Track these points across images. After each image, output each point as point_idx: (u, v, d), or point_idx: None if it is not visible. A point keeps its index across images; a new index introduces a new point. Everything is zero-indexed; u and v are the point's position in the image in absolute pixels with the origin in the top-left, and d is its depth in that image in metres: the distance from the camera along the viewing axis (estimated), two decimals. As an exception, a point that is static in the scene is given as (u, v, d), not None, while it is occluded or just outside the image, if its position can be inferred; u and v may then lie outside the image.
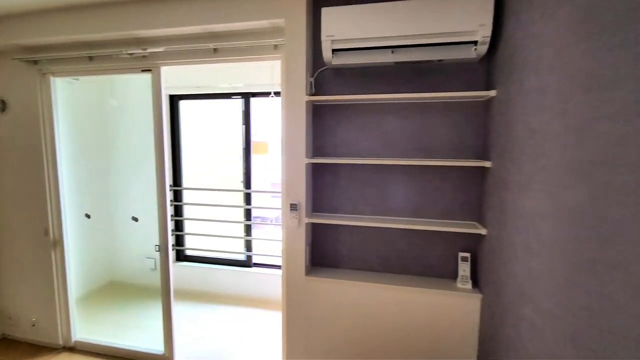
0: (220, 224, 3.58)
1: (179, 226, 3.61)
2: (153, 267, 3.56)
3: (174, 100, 3.43)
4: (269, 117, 3.50)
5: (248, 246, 3.54)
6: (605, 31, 0.81)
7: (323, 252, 2.02)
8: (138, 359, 2.43)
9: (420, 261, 1.88)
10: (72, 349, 2.57)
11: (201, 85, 3.29)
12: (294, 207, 1.83)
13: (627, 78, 0.74)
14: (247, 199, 3.45)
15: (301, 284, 1.89)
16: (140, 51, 2.06)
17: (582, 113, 0.89)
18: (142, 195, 3.46)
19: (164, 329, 2.36)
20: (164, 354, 2.38)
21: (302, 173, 1.82)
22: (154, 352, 2.42)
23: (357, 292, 1.82)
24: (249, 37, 1.93)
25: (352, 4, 1.60)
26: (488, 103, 1.67)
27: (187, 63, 2.10)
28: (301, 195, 1.84)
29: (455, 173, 1.78)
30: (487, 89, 1.64)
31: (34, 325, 2.61)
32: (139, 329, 2.82)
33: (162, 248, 2.31)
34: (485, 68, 1.68)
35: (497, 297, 1.46)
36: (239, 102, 3.33)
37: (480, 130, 1.73)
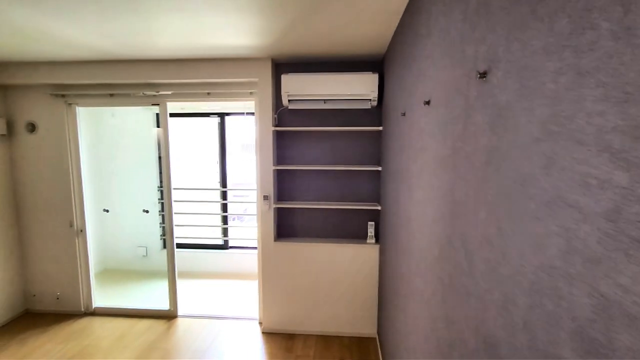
0: (201, 216, 4.46)
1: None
2: (145, 254, 4.35)
3: (160, 117, 4.25)
4: (241, 130, 4.44)
5: (225, 233, 4.47)
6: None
7: (285, 228, 3.06)
8: (149, 315, 3.28)
9: (346, 229, 3.00)
10: (92, 313, 3.34)
11: (185, 107, 4.15)
12: (266, 197, 2.85)
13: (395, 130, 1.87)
14: (224, 195, 4.38)
15: (271, 247, 2.91)
16: (154, 93, 2.93)
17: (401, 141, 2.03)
18: (135, 193, 4.23)
19: (169, 290, 3.25)
20: (169, 310, 3.26)
21: (271, 175, 2.85)
22: (161, 309, 3.29)
23: (307, 250, 2.88)
24: (233, 86, 2.90)
25: (299, 73, 2.65)
26: (379, 133, 2.83)
27: (187, 101, 3.02)
28: (270, 189, 2.86)
29: (363, 174, 2.92)
30: (379, 125, 2.79)
31: (58, 298, 3.33)
32: (144, 298, 3.64)
33: (168, 231, 3.19)
34: (377, 113, 2.84)
35: (384, 245, 2.62)
36: (215, 120, 4.25)
37: (377, 148, 2.89)
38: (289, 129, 2.84)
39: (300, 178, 3.00)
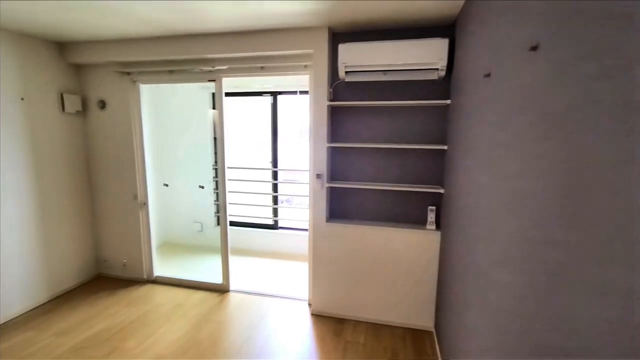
0: (252, 196, 4.51)
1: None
2: (200, 229, 4.53)
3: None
4: (295, 109, 4.36)
5: (275, 213, 4.48)
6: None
7: (337, 209, 2.92)
8: (203, 288, 3.39)
9: (403, 213, 2.78)
10: (153, 281, 3.55)
11: (239, 85, 4.16)
12: (319, 175, 2.73)
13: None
14: (274, 176, 4.36)
15: (323, 228, 2.80)
16: (210, 68, 2.92)
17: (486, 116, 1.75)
18: (192, 170, 4.39)
19: (223, 265, 3.31)
20: (222, 284, 3.34)
21: (324, 152, 2.71)
22: (214, 282, 3.38)
23: (361, 233, 2.72)
24: (287, 59, 2.78)
25: (358, 42, 2.44)
26: (444, 108, 2.53)
27: (242, 76, 2.97)
28: (323, 167, 2.73)
29: (424, 153, 2.66)
30: (445, 98, 2.49)
31: (124, 265, 3.58)
32: (198, 271, 3.78)
33: (222, 208, 3.23)
34: (444, 84, 2.52)
35: (447, 232, 2.36)
36: (268, 99, 4.20)
37: (441, 125, 2.60)
38: (345, 103, 2.66)
39: (355, 156, 2.82)
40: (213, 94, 4.26)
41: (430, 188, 2.60)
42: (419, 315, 2.71)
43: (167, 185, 4.34)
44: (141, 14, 2.31)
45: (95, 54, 3.07)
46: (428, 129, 2.65)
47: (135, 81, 3.21)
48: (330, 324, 2.81)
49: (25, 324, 2.77)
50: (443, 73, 2.34)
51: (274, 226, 4.47)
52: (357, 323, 2.81)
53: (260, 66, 2.84)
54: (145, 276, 3.54)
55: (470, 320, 1.61)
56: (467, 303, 1.70)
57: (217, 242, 3.35)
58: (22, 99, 2.84)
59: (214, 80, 3.02)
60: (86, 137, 3.45)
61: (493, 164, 1.36)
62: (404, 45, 2.33)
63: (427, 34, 2.43)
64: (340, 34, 2.65)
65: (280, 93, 4.16)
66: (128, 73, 3.18)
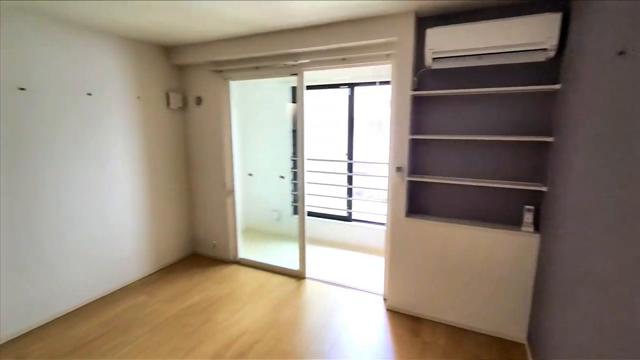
0: (327, 187, 4.60)
1: (296, 188, 4.72)
2: (278, 218, 4.78)
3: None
4: (371, 101, 4.29)
5: (349, 205, 4.50)
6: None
7: (416, 204, 2.80)
8: (281, 272, 3.59)
9: (492, 212, 2.53)
10: (238, 262, 3.87)
11: (317, 79, 4.23)
12: (399, 169, 2.64)
13: None
14: (349, 168, 4.37)
15: (402, 223, 2.71)
16: (293, 62, 3.02)
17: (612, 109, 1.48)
18: (272, 161, 4.65)
19: (300, 253, 3.45)
20: (299, 270, 3.49)
21: (406, 145, 2.60)
22: (291, 268, 3.55)
23: (444, 230, 2.57)
24: (368, 49, 2.72)
25: (448, 25, 2.26)
26: (551, 94, 2.20)
27: (323, 69, 3.01)
28: (404, 160, 2.63)
29: (521, 146, 2.36)
30: (553, 83, 2.16)
31: (214, 246, 3.98)
32: (277, 256, 4.01)
33: (300, 198, 3.35)
34: (550, 67, 2.19)
35: (549, 235, 2.08)
36: (345, 91, 4.20)
37: (544, 113, 2.27)
38: (431, 92, 2.50)
39: (438, 149, 2.65)
40: (293, 88, 4.43)
41: (528, 185, 2.31)
42: (508, 324, 2.47)
43: (251, 174, 4.67)
44: (233, 15, 2.49)
45: (194, 55, 3.41)
46: (526, 118, 2.35)
47: (226, 78, 3.49)
48: (406, 321, 2.73)
49: (139, 289, 3.27)
50: (552, 53, 2.04)
51: (347, 218, 4.50)
52: (435, 324, 2.68)
53: (342, 58, 2.84)
54: (231, 257, 3.88)
55: (585, 337, 1.39)
56: (579, 317, 1.48)
57: (294, 231, 3.50)
58: (139, 97, 3.31)
59: (296, 74, 3.12)
60: (185, 130, 3.88)
61: (630, 162, 1.14)
62: (504, 25, 2.09)
63: (528, 10, 2.14)
64: (427, 19, 2.49)
65: (357, 84, 4.11)
66: (220, 71, 3.47)
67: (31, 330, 2.60)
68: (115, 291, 3.22)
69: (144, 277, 3.51)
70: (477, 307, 2.54)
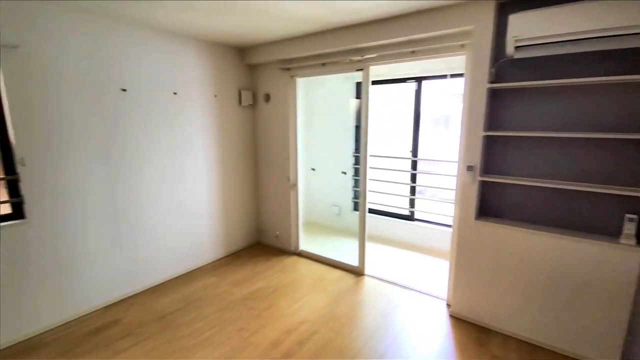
0: (389, 184, 4.50)
1: (357, 184, 4.71)
2: (338, 213, 4.83)
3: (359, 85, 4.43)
4: (439, 96, 4.07)
5: (412, 204, 4.35)
6: None
7: (487, 206, 2.59)
8: (340, 267, 3.62)
9: (580, 219, 2.23)
10: (299, 254, 4.01)
11: (381, 74, 4.15)
12: (470, 168, 2.47)
13: None
14: (413, 165, 4.22)
15: (471, 226, 2.54)
16: (359, 57, 3.00)
17: None
18: (334, 156, 4.70)
19: (359, 249, 3.45)
20: (358, 267, 3.49)
21: (479, 142, 2.42)
22: (350, 264, 3.56)
23: (520, 237, 2.34)
24: (440, 40, 2.58)
25: (536, 9, 2.03)
26: (674, 82, 1.84)
27: (390, 62, 2.94)
28: (476, 159, 2.45)
29: (623, 145, 2.03)
30: (673, 69, 1.81)
31: (276, 236, 4.17)
32: (336, 250, 4.05)
33: (362, 194, 3.33)
34: (676, 49, 1.84)
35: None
36: (412, 85, 4.05)
37: (663, 106, 1.92)
38: (511, 85, 2.28)
39: (517, 147, 2.41)
40: (357, 83, 4.40)
41: (630, 190, 1.99)
42: (594, 348, 2.16)
43: (314, 169, 4.78)
44: (303, 15, 2.55)
45: (264, 55, 3.59)
46: (631, 112, 2.01)
47: (293, 76, 3.61)
48: (471, 330, 2.56)
49: (210, 271, 3.58)
50: (672, 35, 1.71)
51: (410, 217, 4.36)
52: (506, 337, 2.47)
53: (411, 50, 2.74)
54: (292, 248, 4.03)
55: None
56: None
57: (354, 226, 3.50)
58: (216, 95, 3.60)
59: (361, 69, 3.09)
60: (254, 126, 4.11)
61: None
62: (607, 4, 1.81)
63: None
64: (507, 4, 2.26)
65: (425, 78, 3.93)
66: (288, 69, 3.59)
67: (124, 299, 3.02)
68: (190, 271, 3.57)
69: (215, 261, 3.83)
70: (556, 324, 2.28)
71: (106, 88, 2.73)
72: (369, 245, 3.50)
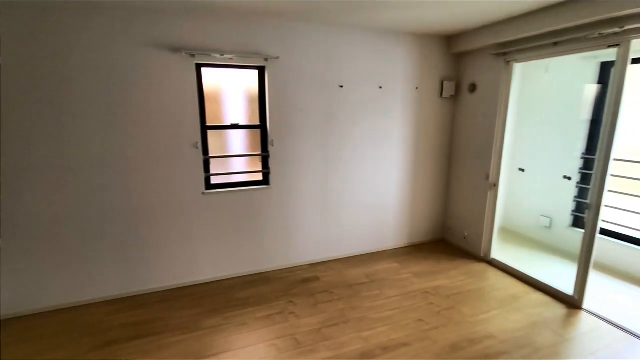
0: (635, 200, 3.29)
1: (583, 194, 3.70)
2: (547, 225, 3.98)
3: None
4: None
5: (678, 233, 3.04)
6: None
7: None
8: (544, 290, 3.00)
9: None
10: (489, 262, 3.59)
11: None
12: None
13: None
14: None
15: None
16: (616, 30, 2.29)
17: None
18: (553, 157, 3.86)
19: (578, 276, 2.73)
20: (573, 297, 2.78)
21: None
22: (561, 290, 2.88)
23: None
24: None
25: None
26: None
27: (673, 31, 2.09)
28: None
29: None
30: None
31: (464, 238, 3.88)
32: (538, 269, 3.37)
33: (593, 208, 2.59)
34: None
35: None
36: None
37: None
38: None
39: None
40: (602, 64, 3.41)
41: None
42: None
43: (522, 170, 4.09)
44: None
45: (475, 41, 3.31)
46: None
47: (509, 61, 3.17)
48: None
49: (392, 257, 3.76)
50: None
51: (671, 250, 3.06)
52: None
53: None
54: (481, 254, 3.66)
55: None
56: None
57: (569, 245, 2.80)
58: (417, 88, 3.65)
59: (616, 45, 2.35)
60: (453, 118, 3.91)
61: None
62: None
63: None
64: None
65: None
66: (503, 54, 3.18)
67: (323, 262, 3.63)
68: (375, 252, 3.87)
69: (397, 248, 3.98)
70: None
71: (328, 85, 3.27)
72: (594, 275, 2.72)
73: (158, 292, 3.01)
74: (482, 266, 3.52)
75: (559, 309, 2.73)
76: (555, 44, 2.72)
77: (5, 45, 2.31)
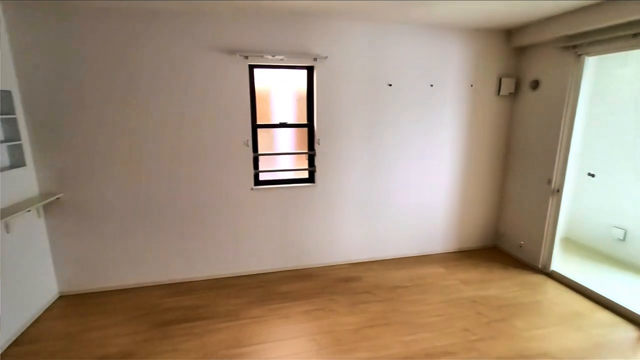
0: None
1: (666, 204, 3.24)
2: (621, 237, 3.54)
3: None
4: None
5: None
6: None
7: None
8: (613, 309, 2.68)
9: None
10: (548, 274, 3.30)
11: None
12: None
13: None
14: None
15: None
16: None
17: None
18: (635, 162, 3.44)
19: (657, 296, 2.41)
20: (649, 319, 2.46)
21: None
22: (635, 311, 2.55)
23: None
24: None
25: None
26: None
27: None
28: None
29: None
30: None
31: (520, 246, 3.60)
32: (607, 285, 3.01)
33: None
34: None
35: None
36: None
37: None
38: None
39: None
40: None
41: None
42: None
43: (592, 175, 3.67)
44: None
45: (540, 33, 3.04)
46: None
47: (580, 54, 2.86)
48: None
49: (439, 261, 3.61)
50: None
51: None
52: None
53: None
54: (540, 265, 3.37)
55: None
56: None
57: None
58: (471, 85, 3.45)
59: None
60: (511, 117, 3.64)
61: None
62: None
63: None
64: None
65: None
66: (573, 46, 2.88)
67: (364, 262, 3.60)
68: (420, 256, 3.74)
69: (444, 253, 3.82)
70: None
71: (376, 84, 3.23)
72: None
73: (206, 280, 3.22)
74: (539, 278, 3.24)
75: (630, 332, 2.43)
76: (635, 35, 2.41)
77: (92, 52, 2.62)
